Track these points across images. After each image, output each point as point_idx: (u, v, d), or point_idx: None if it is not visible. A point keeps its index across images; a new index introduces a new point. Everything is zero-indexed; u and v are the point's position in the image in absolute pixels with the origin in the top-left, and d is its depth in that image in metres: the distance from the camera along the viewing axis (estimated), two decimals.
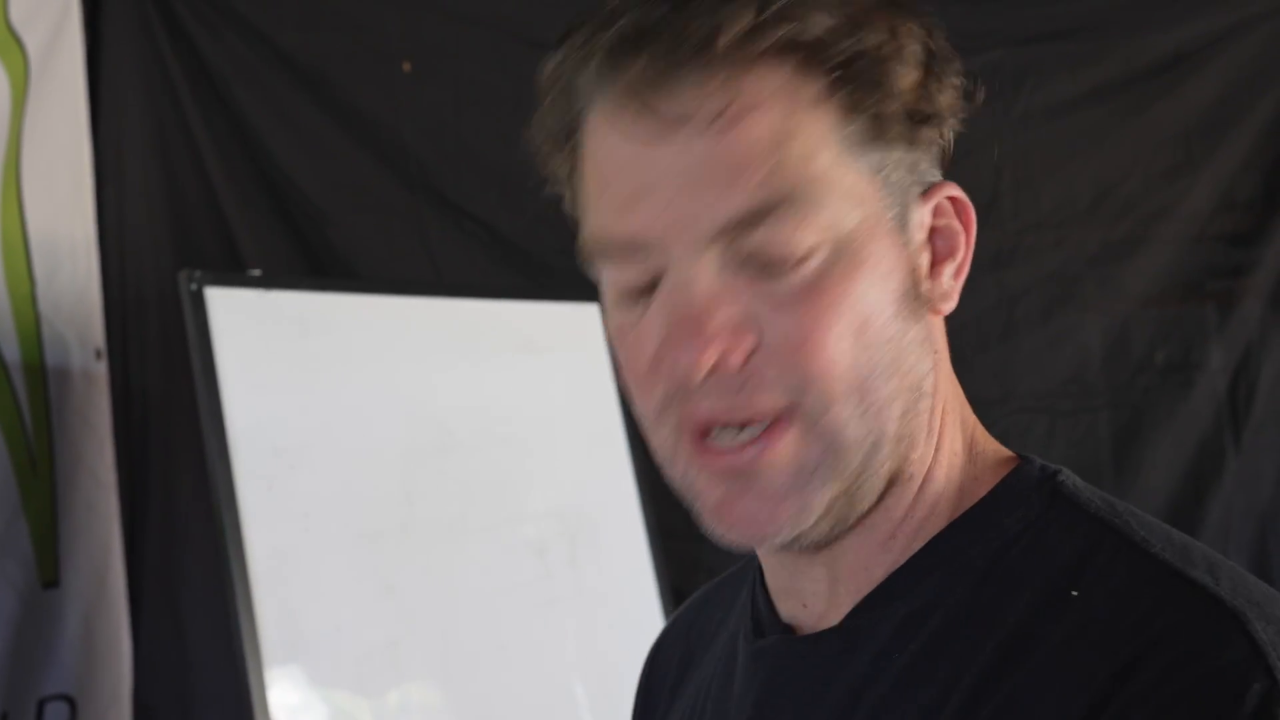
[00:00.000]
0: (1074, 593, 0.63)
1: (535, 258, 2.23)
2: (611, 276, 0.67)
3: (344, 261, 2.19)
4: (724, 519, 0.66)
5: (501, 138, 2.25)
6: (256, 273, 1.74)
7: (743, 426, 0.64)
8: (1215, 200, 2.40)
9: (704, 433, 0.65)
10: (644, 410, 0.68)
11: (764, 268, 0.63)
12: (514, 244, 2.24)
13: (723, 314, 0.63)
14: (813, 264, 0.63)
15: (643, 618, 1.91)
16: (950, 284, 0.69)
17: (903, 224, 0.66)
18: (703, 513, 0.68)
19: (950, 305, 0.69)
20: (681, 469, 0.68)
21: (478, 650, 1.75)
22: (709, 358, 0.62)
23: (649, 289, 0.66)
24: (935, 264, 0.69)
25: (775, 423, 0.64)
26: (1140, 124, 2.37)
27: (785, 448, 0.64)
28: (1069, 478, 0.70)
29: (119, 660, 2.05)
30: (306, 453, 1.68)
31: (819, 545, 0.69)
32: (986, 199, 2.23)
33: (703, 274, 0.63)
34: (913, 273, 0.67)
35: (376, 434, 1.75)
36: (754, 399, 0.63)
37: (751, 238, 0.62)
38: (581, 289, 2.19)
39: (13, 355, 1.94)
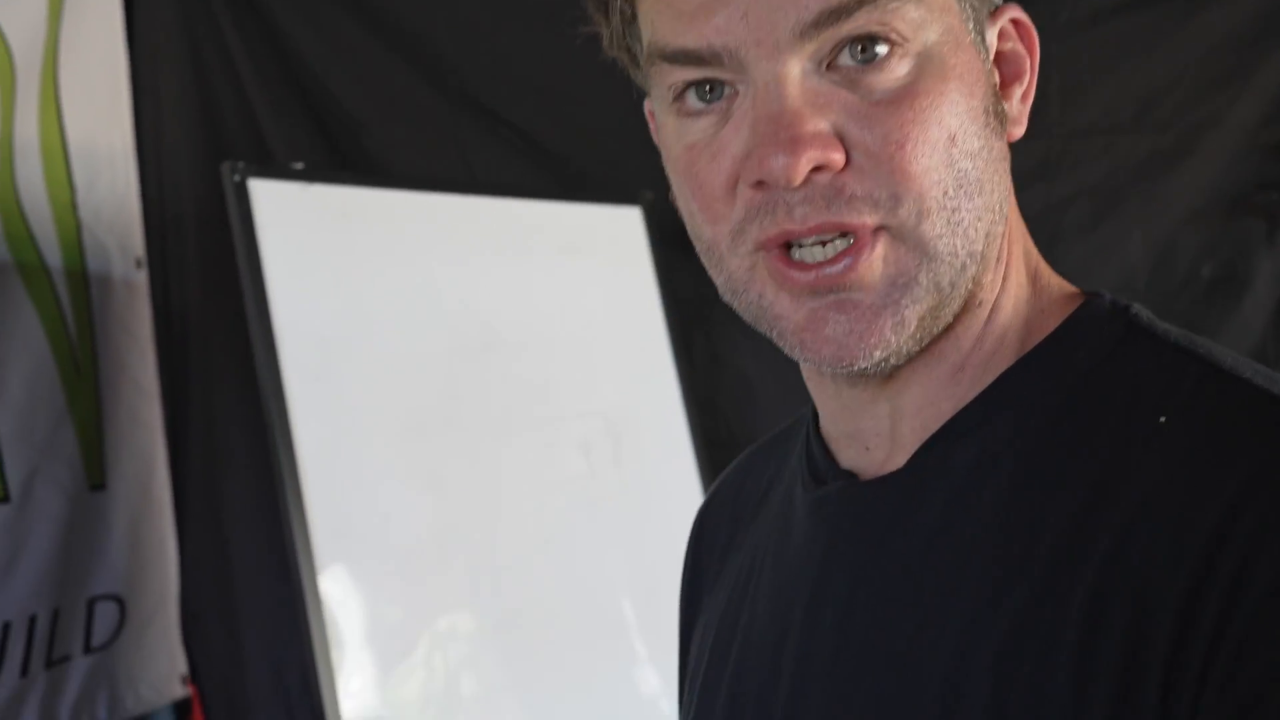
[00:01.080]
0: (1162, 419, 0.60)
1: (572, 165, 2.20)
2: (677, 84, 0.64)
3: (379, 170, 2.18)
4: (813, 339, 0.63)
5: (538, 45, 2.23)
6: (299, 166, 1.72)
7: (827, 243, 0.62)
8: (1265, 109, 2.34)
9: (786, 249, 0.63)
10: (715, 237, 0.65)
11: (850, 76, 0.61)
12: (551, 151, 2.22)
13: (814, 120, 0.60)
14: (901, 71, 0.61)
15: (687, 518, 1.90)
16: (1019, 108, 0.67)
17: (980, 40, 0.65)
18: (786, 336, 0.65)
19: (1020, 130, 0.67)
20: (758, 292, 0.65)
21: (523, 543, 1.75)
22: (806, 161, 0.59)
23: (721, 106, 0.63)
24: (1003, 86, 0.67)
25: (865, 235, 0.61)
26: (1189, 29, 2.31)
27: (878, 260, 0.62)
28: (1142, 311, 0.68)
29: (166, 564, 2.07)
30: (351, 346, 1.68)
31: (888, 376, 0.67)
32: (1034, 105, 2.17)
33: (790, 78, 0.61)
34: (992, 88, 0.65)
35: (420, 330, 1.75)
36: (845, 214, 0.61)
37: (839, 34, 0.60)
38: (620, 193, 2.18)
39: (55, 260, 1.94)
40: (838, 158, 0.60)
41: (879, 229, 0.61)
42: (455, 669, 1.68)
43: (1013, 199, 0.69)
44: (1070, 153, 2.28)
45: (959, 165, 0.61)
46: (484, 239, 1.85)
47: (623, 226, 2.02)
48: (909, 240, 0.62)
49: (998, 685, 0.58)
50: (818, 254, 0.62)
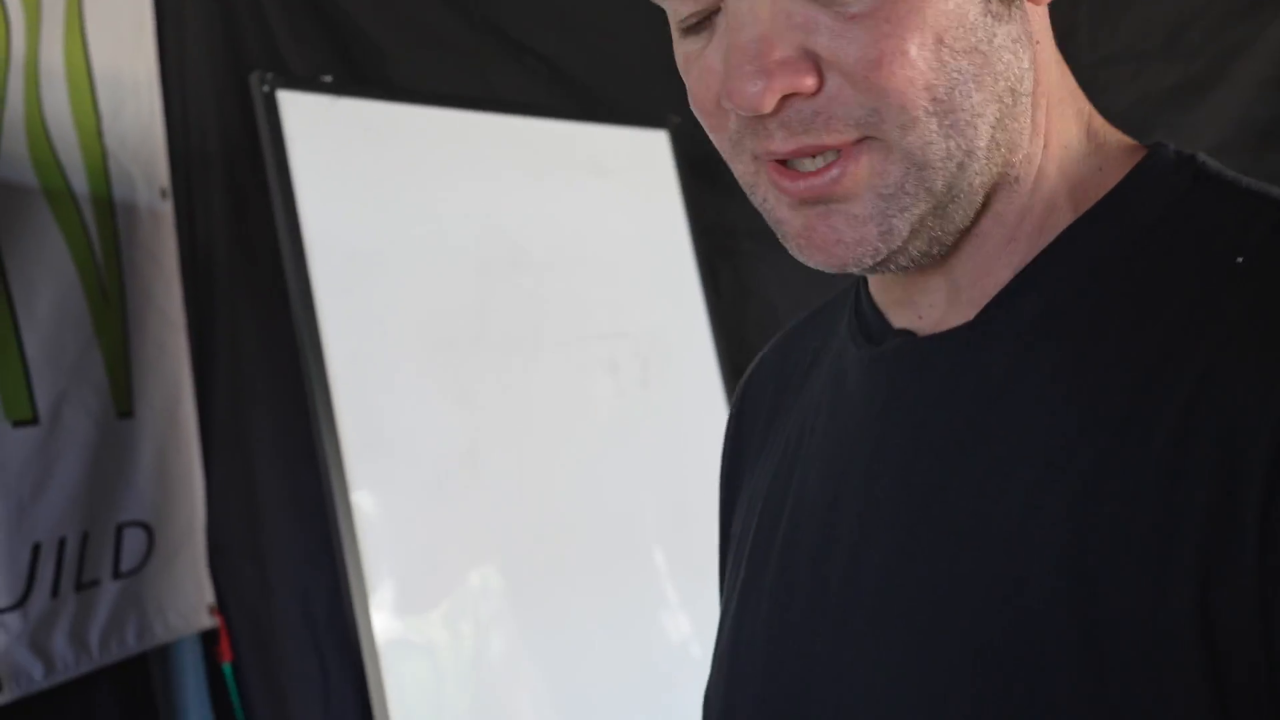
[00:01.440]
0: (1239, 259, 0.58)
1: (597, 92, 2.19)
2: (672, 6, 0.64)
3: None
4: (807, 245, 0.64)
5: None
6: (328, 79, 1.71)
7: (816, 155, 0.61)
8: None
9: (782, 160, 0.62)
10: (719, 143, 0.66)
11: None
12: (575, 80, 2.20)
13: (784, 45, 0.58)
14: None
15: (714, 443, 1.90)
16: None
17: None
18: (788, 240, 0.65)
19: None
20: (763, 196, 0.65)
21: (552, 459, 1.74)
22: (772, 94, 0.58)
23: (710, 17, 0.62)
24: None
25: (854, 144, 0.60)
26: None
27: (863, 170, 0.61)
28: (1210, 159, 0.66)
29: (193, 494, 2.06)
30: (381, 259, 1.67)
31: (926, 260, 0.65)
32: (1063, 30, 2.15)
33: (760, 3, 0.59)
34: None
35: (449, 245, 1.74)
36: (823, 136, 0.60)
37: None
38: (646, 118, 2.16)
39: (81, 187, 1.93)
40: (809, 82, 0.59)
41: (866, 139, 0.60)
42: (484, 585, 1.67)
43: (1051, 63, 0.67)
44: (1098, 80, 2.25)
45: (951, 66, 0.59)
46: (512, 157, 1.84)
47: (649, 149, 2.00)
48: (896, 150, 0.60)
49: (1075, 534, 0.57)
50: (808, 165, 0.62)
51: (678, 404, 1.92)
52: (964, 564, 0.61)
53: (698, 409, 1.94)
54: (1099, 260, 0.63)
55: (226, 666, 2.05)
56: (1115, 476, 0.56)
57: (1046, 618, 0.56)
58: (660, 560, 1.83)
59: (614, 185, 1.95)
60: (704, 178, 2.16)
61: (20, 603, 1.71)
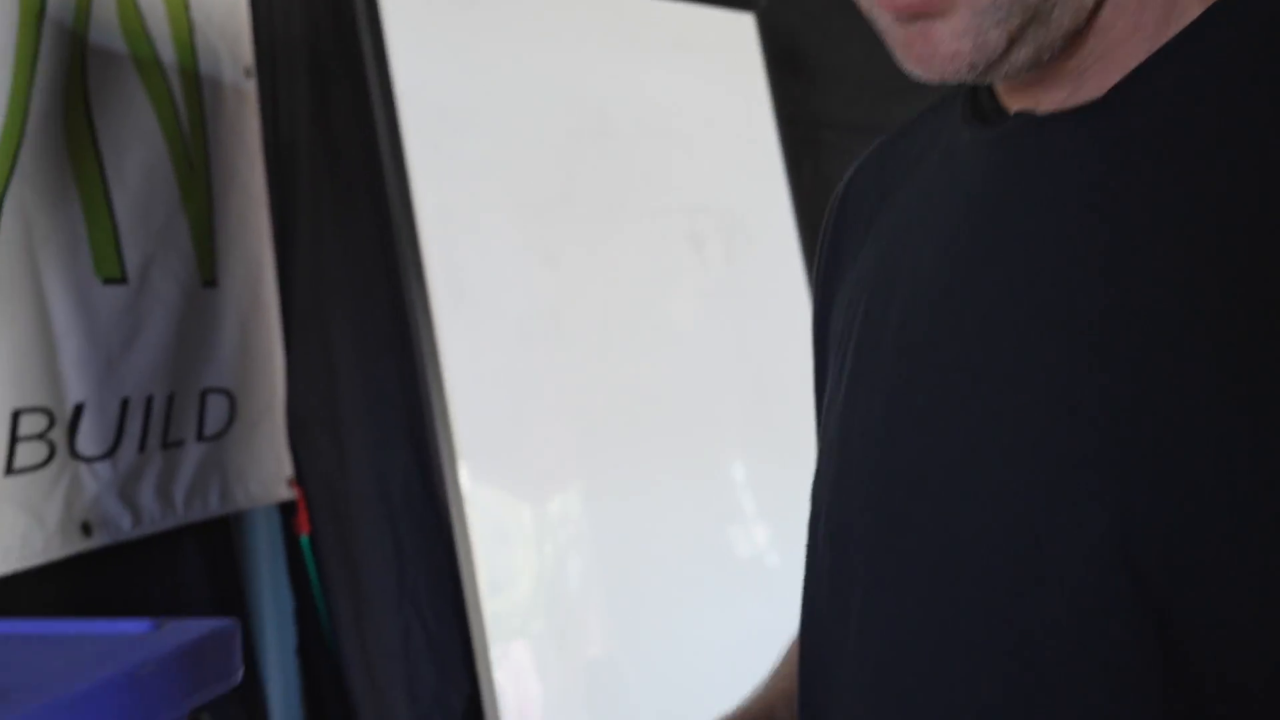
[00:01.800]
0: None
1: None
2: None
3: None
4: (906, 57, 0.65)
5: None
6: None
7: None
8: None
9: None
10: None
11: None
12: None
13: None
14: None
15: (795, 323, 1.88)
16: None
17: None
18: (893, 49, 0.66)
19: None
20: (867, 6, 0.66)
21: (636, 321, 1.74)
22: None
23: None
24: None
25: None
26: None
27: None
28: None
29: (273, 368, 2.09)
30: (472, 117, 1.67)
31: (1036, 67, 0.64)
32: None
33: None
34: None
35: (538, 109, 1.73)
36: None
37: None
38: (734, 2, 2.14)
39: (168, 56, 1.95)
40: None
41: None
42: (563, 448, 1.68)
43: None
44: None
45: None
46: (601, 28, 1.84)
47: (736, 31, 1.98)
48: None
49: (1225, 306, 0.54)
50: None
51: (760, 282, 1.91)
52: (1101, 338, 0.59)
53: (780, 289, 1.92)
54: (1242, 37, 0.60)
55: (304, 538, 2.08)
56: (1267, 259, 0.53)
57: (1194, 383, 0.54)
58: (737, 431, 1.82)
59: (699, 63, 1.93)
60: (788, 67, 2.13)
61: (110, 453, 1.74)
